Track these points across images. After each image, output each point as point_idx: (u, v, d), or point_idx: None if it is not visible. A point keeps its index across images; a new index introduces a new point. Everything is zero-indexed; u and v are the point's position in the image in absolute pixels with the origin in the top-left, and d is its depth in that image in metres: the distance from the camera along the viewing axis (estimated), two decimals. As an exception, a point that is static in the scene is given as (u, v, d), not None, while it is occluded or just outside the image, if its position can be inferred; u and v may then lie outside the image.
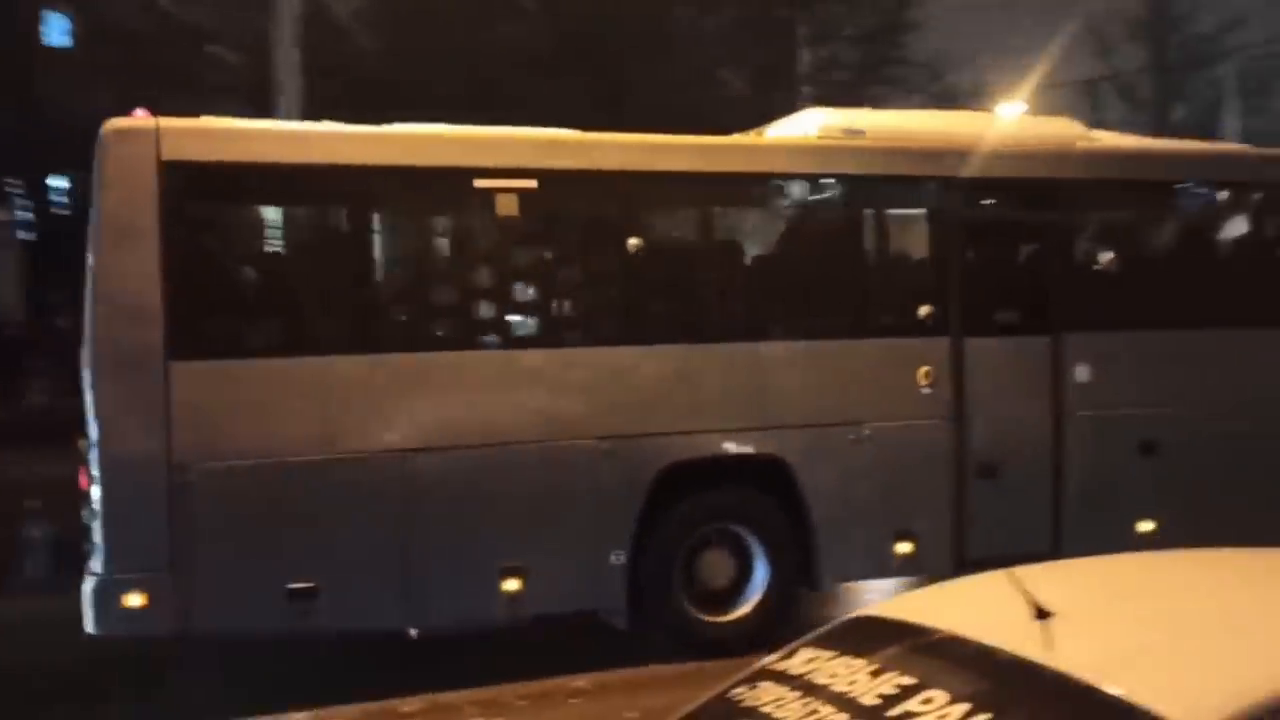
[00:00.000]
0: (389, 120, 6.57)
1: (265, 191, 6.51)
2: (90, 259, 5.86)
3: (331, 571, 6.10)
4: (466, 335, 6.65)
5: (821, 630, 2.72)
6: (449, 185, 6.61)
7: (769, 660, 2.66)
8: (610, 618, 6.82)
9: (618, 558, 6.59)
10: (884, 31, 26.09)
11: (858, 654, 2.47)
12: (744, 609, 6.93)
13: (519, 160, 6.59)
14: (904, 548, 7.20)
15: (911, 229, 7.86)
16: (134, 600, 5.76)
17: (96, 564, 5.83)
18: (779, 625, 6.60)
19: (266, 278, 6.57)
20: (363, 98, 16.21)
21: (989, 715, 2.11)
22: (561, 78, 18.83)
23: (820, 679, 2.42)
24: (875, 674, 2.36)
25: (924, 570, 7.12)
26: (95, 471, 5.78)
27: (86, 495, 5.89)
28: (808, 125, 7.57)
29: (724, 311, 7.29)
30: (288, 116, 13.69)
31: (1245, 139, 32.33)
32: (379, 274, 6.68)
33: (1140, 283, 8.17)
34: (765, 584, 6.94)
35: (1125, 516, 7.59)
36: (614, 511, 6.59)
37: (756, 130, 8.13)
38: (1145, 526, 7.64)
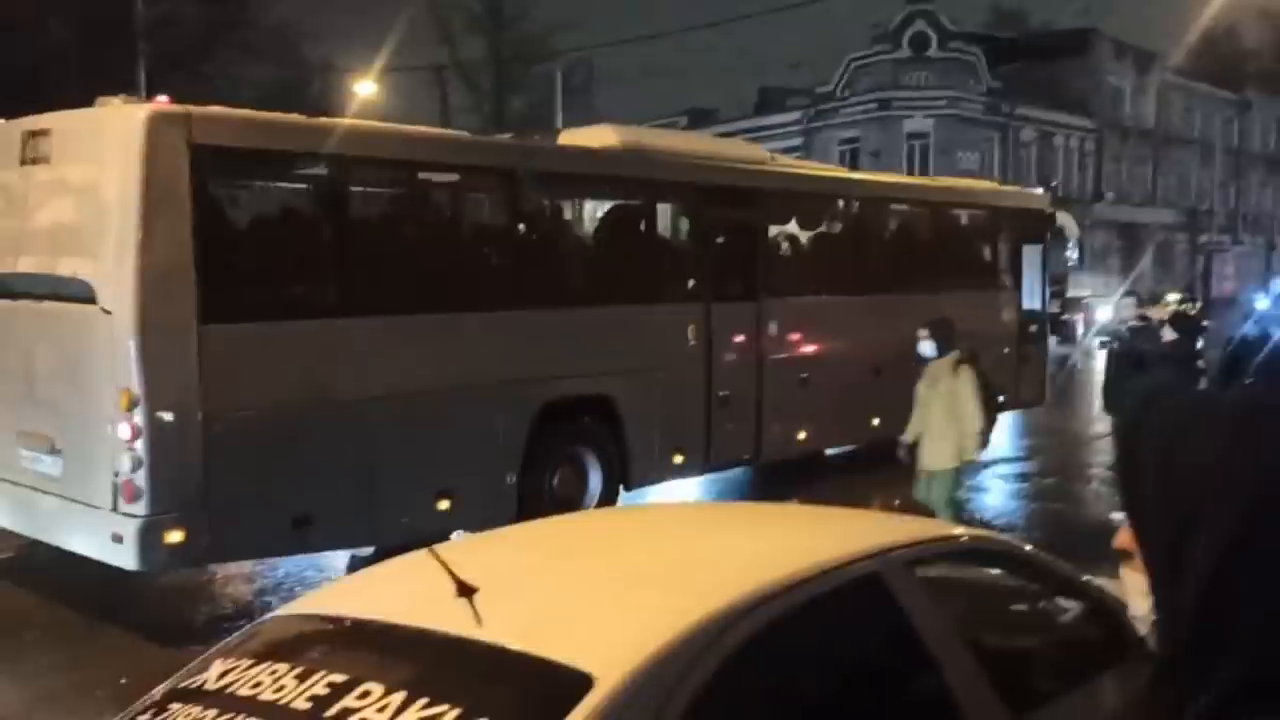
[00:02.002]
0: None
1: (280, 174, 7.57)
2: (123, 233, 6.31)
3: (323, 502, 6.99)
4: (428, 301, 7.78)
5: (233, 638, 2.49)
6: (419, 176, 8.15)
7: (177, 679, 2.38)
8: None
9: (511, 479, 8.14)
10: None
11: (280, 658, 2.30)
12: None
13: (468, 156, 8.53)
14: (679, 458, 9.47)
15: (681, 221, 10.03)
16: (174, 536, 6.35)
17: (139, 507, 6.31)
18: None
19: (280, 250, 7.35)
20: None
21: (428, 699, 2.08)
22: None
23: (242, 690, 2.21)
24: (303, 676, 2.21)
25: (689, 473, 9.69)
26: (141, 423, 6.26)
27: (124, 443, 6.28)
28: (606, 136, 9.30)
29: (573, 283, 9.03)
30: None
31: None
32: (362, 247, 7.63)
33: (805, 262, 11.11)
34: (600, 489, 8.87)
35: (792, 429, 10.48)
36: (509, 442, 8.15)
37: (541, 133, 10.33)
38: (802, 435, 10.58)
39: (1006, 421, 14.01)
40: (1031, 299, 13.46)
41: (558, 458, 8.57)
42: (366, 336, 7.28)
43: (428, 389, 7.54)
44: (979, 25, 49.01)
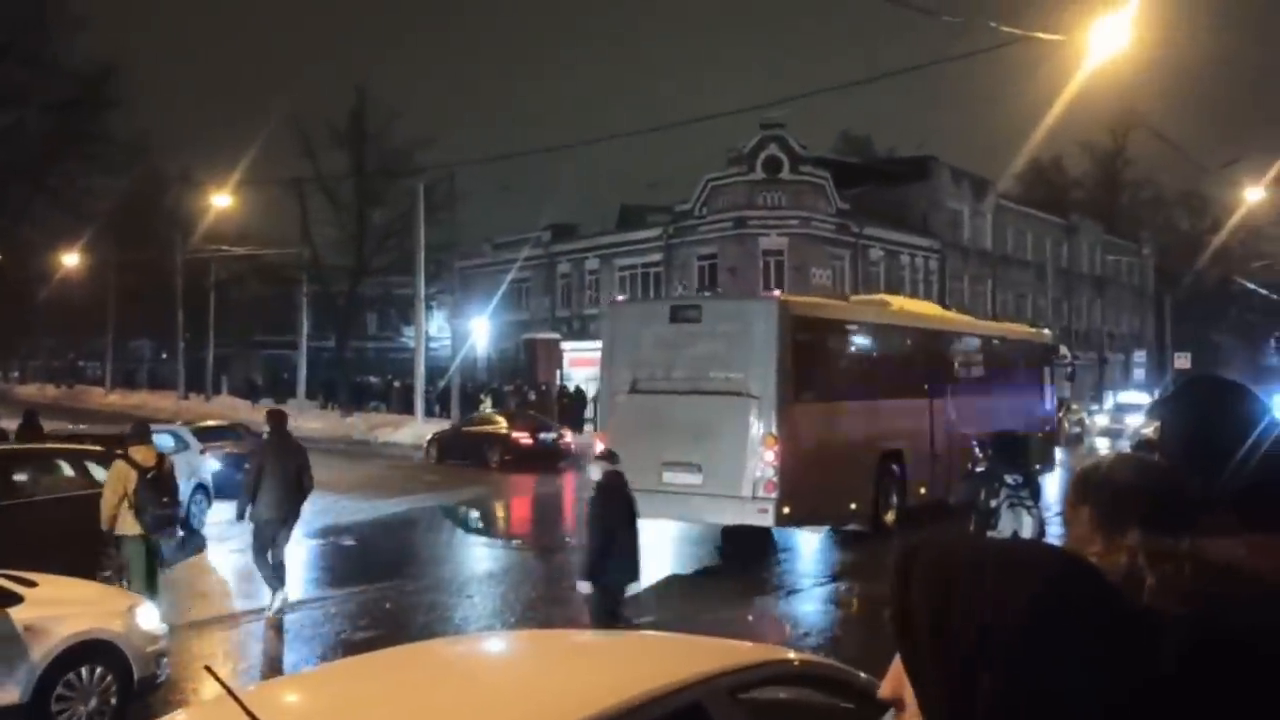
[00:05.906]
0: None
1: (831, 330, 15.42)
2: (766, 358, 13.38)
3: (829, 497, 14.01)
4: (860, 393, 15.14)
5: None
6: (852, 328, 16.10)
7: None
8: (860, 525, 14.69)
9: (870, 493, 14.81)
10: (81, 104, 24.23)
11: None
12: (893, 514, 15.33)
13: (869, 316, 16.84)
14: (922, 490, 15.99)
15: (934, 351, 17.97)
16: (786, 509, 13.03)
17: (773, 494, 12.95)
18: (903, 517, 15.32)
19: (827, 366, 15.04)
20: None
21: None
22: None
23: None
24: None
25: (923, 500, 15.95)
26: (777, 449, 13.02)
27: (768, 462, 13.04)
28: (926, 307, 20.66)
29: (894, 383, 16.13)
30: None
31: (434, 247, 36.01)
32: (873, 366, 16.20)
33: (960, 371, 18.51)
34: (896, 503, 15.41)
35: (957, 479, 15.69)
36: (869, 469, 14.90)
37: (880, 299, 19.86)
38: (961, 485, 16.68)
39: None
40: (1046, 402, 21.60)
41: (880, 485, 15.04)
42: (847, 412, 14.64)
43: (860, 440, 14.66)
44: (828, 150, 51.48)
